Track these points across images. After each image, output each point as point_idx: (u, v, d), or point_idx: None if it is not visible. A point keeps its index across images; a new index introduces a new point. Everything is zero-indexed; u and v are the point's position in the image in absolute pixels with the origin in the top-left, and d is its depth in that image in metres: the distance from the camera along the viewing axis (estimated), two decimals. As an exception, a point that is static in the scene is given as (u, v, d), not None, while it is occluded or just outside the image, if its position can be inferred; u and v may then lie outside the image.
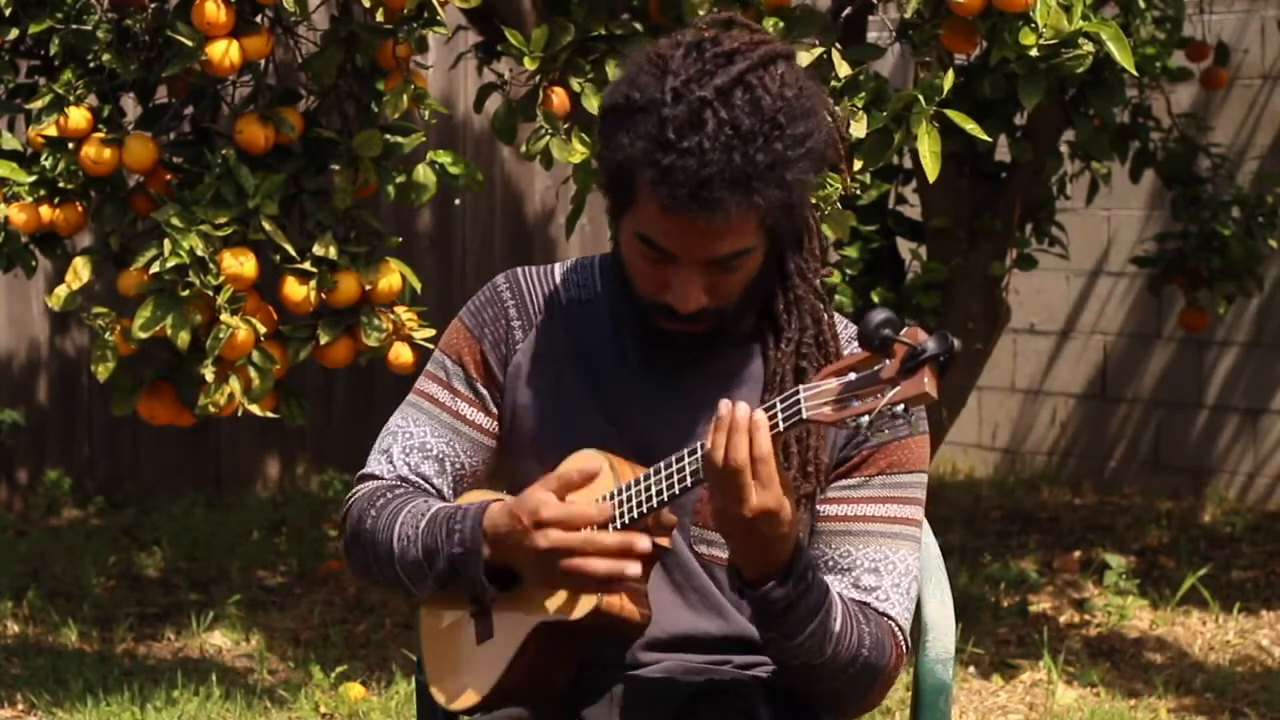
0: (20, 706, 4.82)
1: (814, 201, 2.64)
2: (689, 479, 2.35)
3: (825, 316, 2.52)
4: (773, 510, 2.29)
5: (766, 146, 2.34)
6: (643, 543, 2.34)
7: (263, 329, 4.23)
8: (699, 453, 2.34)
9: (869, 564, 2.49)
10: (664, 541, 2.45)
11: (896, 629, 2.49)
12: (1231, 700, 4.92)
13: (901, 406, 2.21)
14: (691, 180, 2.32)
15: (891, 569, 2.50)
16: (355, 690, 4.87)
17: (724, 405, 2.29)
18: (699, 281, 2.40)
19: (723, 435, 2.29)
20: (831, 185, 3.96)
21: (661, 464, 2.38)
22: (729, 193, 2.33)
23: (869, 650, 2.44)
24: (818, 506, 2.51)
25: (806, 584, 2.37)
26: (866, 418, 2.22)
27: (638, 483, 2.39)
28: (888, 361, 2.23)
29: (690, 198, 2.33)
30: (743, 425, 2.28)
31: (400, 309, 4.38)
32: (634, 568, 2.34)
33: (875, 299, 5.34)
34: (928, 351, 2.20)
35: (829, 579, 2.48)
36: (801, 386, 2.29)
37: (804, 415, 2.27)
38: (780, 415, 2.29)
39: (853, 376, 2.25)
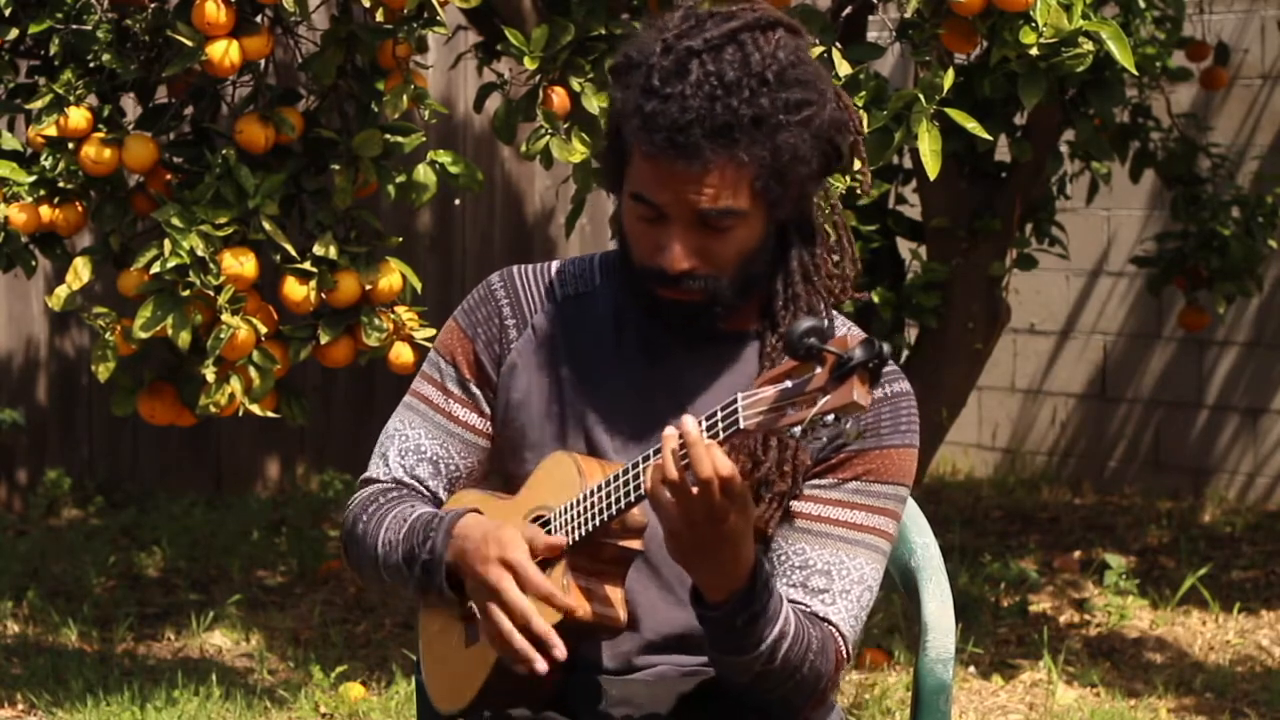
0: (20, 706, 4.82)
1: (828, 204, 2.62)
2: (645, 484, 2.33)
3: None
4: (735, 528, 2.27)
5: (752, 100, 2.35)
6: (559, 651, 2.34)
7: (263, 329, 4.23)
8: (654, 458, 2.32)
9: (822, 566, 2.47)
10: (635, 544, 2.43)
11: (838, 635, 2.47)
12: (1231, 700, 4.92)
13: (832, 416, 2.19)
14: (670, 125, 2.34)
15: (844, 574, 2.47)
16: (355, 690, 4.87)
17: (668, 429, 2.28)
18: (688, 241, 2.40)
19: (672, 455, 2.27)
20: (833, 184, 3.96)
21: (622, 469, 2.37)
22: (708, 140, 2.34)
23: (815, 655, 2.42)
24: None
25: (769, 593, 2.36)
26: (798, 427, 2.20)
27: (601, 487, 2.38)
28: (819, 370, 2.21)
29: (668, 142, 2.34)
30: (681, 439, 2.26)
31: (400, 309, 4.38)
32: (541, 665, 2.34)
33: (875, 299, 5.35)
34: (854, 360, 2.16)
35: (778, 577, 2.46)
36: (740, 395, 2.26)
37: (741, 425, 2.25)
38: (720, 424, 2.27)
39: (788, 384, 2.22)
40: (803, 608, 2.45)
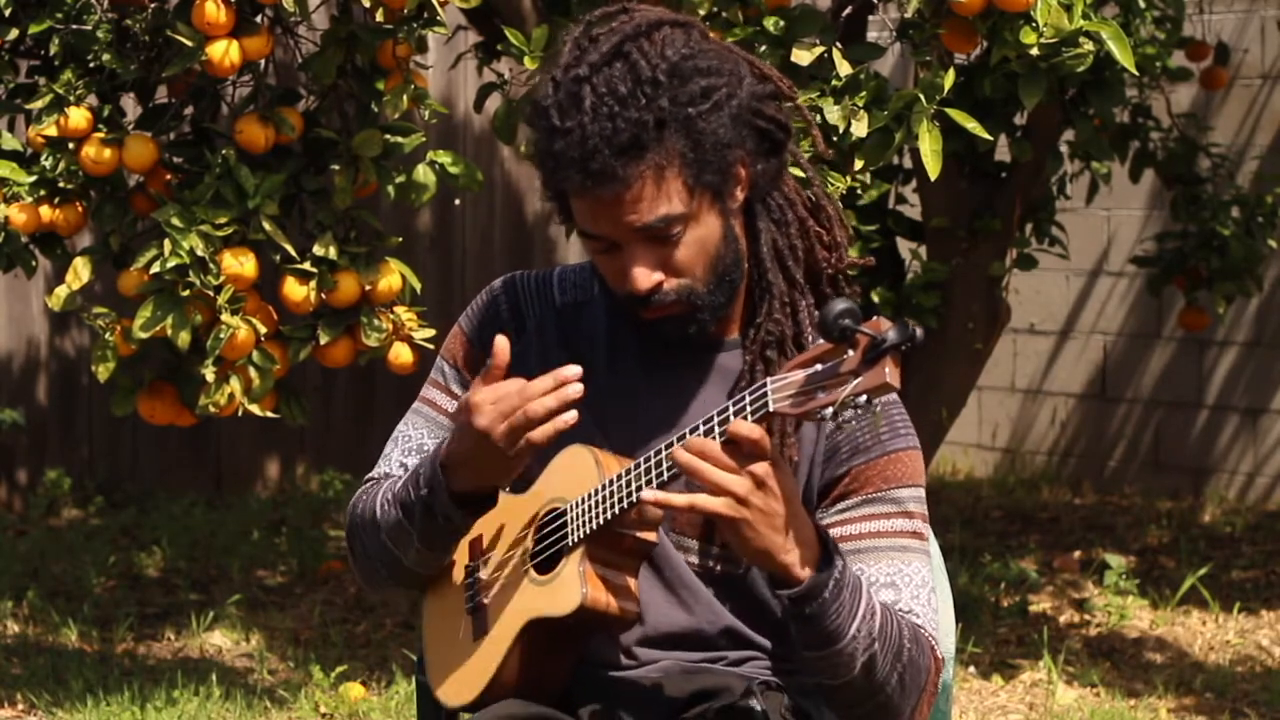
0: (20, 706, 4.82)
1: (805, 172, 2.61)
2: (665, 473, 2.35)
3: (804, 303, 2.51)
4: (763, 477, 2.28)
5: (650, 105, 2.34)
6: (570, 370, 2.36)
7: (263, 329, 4.23)
8: (675, 445, 2.33)
9: (885, 579, 2.46)
10: (650, 536, 2.45)
11: (928, 633, 2.46)
12: (1231, 700, 4.92)
13: (864, 398, 2.20)
14: (576, 160, 2.34)
15: (908, 581, 2.47)
16: (355, 690, 4.87)
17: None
18: (646, 258, 2.40)
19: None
20: (834, 185, 3.97)
21: (641, 459, 2.38)
22: (618, 159, 2.34)
23: (910, 643, 2.41)
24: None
25: (844, 561, 2.35)
26: (830, 409, 2.21)
27: (620, 477, 2.40)
28: (851, 353, 2.22)
29: (582, 174, 2.35)
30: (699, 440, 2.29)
31: (400, 309, 4.38)
32: (574, 389, 2.35)
33: (875, 299, 5.34)
34: (888, 341, 2.18)
35: None
36: (769, 379, 2.28)
37: (771, 408, 2.27)
38: (748, 408, 2.28)
39: (818, 368, 2.24)
40: None
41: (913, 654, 2.41)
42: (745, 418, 2.28)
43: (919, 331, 2.19)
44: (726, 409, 2.30)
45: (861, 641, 2.35)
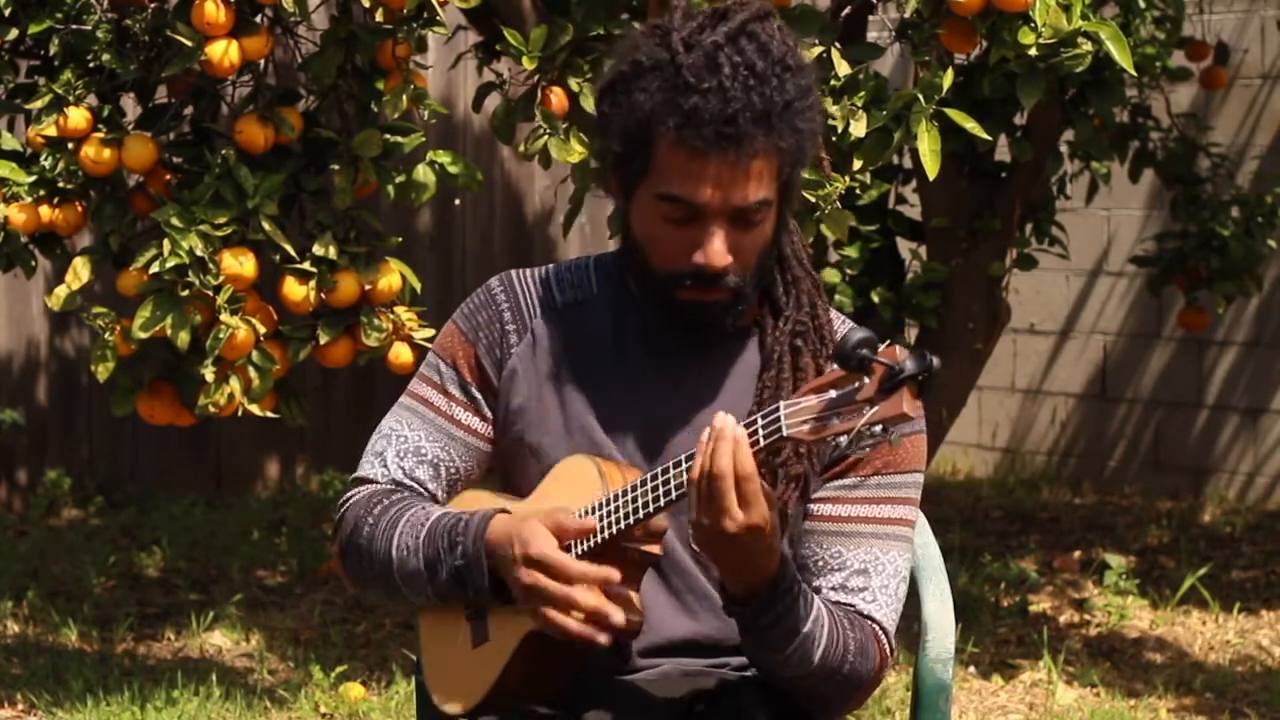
0: (20, 706, 4.82)
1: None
2: (674, 490, 2.35)
3: (820, 301, 2.54)
4: (757, 525, 2.30)
5: (781, 87, 2.37)
6: (616, 615, 2.35)
7: (262, 329, 4.24)
8: (684, 464, 2.34)
9: (859, 565, 2.49)
10: (655, 549, 2.44)
11: (880, 632, 2.50)
12: (1231, 700, 4.92)
13: (880, 427, 2.20)
14: (717, 117, 2.35)
15: (881, 570, 2.50)
16: (355, 690, 4.87)
17: (717, 417, 2.30)
18: (726, 238, 2.41)
19: (708, 447, 2.30)
20: (831, 185, 3.97)
21: (648, 474, 2.37)
22: (754, 127, 2.35)
23: (854, 657, 2.45)
24: (811, 506, 2.50)
25: (792, 598, 2.38)
26: (845, 437, 2.22)
27: (628, 491, 2.39)
28: (866, 380, 2.22)
29: (717, 135, 2.35)
30: (727, 436, 2.29)
31: (400, 309, 4.38)
32: (603, 638, 2.35)
33: (875, 299, 5.34)
34: (905, 372, 2.19)
35: (818, 580, 2.49)
36: (782, 403, 2.28)
37: (784, 433, 2.27)
38: (761, 432, 2.28)
39: (833, 394, 2.24)
40: (847, 608, 2.48)
41: (854, 666, 2.46)
42: (758, 440, 2.28)
43: (936, 361, 2.19)
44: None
45: (792, 661, 2.41)
